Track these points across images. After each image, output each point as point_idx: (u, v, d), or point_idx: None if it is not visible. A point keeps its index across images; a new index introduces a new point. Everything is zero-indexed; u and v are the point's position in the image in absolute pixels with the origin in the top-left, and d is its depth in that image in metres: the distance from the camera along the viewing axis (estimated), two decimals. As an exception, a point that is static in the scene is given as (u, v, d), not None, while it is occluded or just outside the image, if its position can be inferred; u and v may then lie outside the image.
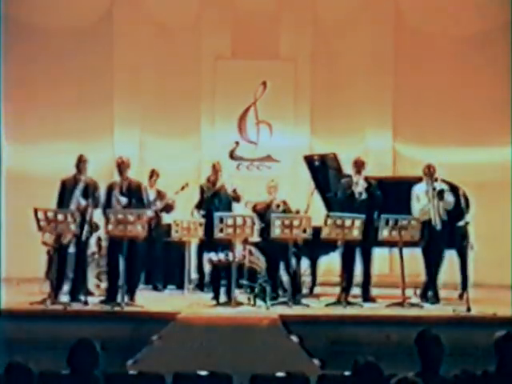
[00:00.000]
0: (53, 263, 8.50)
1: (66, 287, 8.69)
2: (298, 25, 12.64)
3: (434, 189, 8.87)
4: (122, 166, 8.75)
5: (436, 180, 8.92)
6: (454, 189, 9.21)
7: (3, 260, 10.44)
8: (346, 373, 4.79)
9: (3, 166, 11.75)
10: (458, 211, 9.00)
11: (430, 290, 8.96)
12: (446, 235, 8.97)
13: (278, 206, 9.42)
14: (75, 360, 4.39)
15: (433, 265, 8.93)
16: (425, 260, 8.97)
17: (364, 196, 9.00)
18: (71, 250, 8.51)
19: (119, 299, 8.17)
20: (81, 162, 8.64)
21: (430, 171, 8.96)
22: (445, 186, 8.95)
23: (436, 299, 8.90)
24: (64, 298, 8.45)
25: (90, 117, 12.25)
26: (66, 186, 8.59)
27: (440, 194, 8.81)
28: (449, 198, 8.91)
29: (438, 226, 8.88)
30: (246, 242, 9.08)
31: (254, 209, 9.52)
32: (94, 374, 4.40)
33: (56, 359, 5.26)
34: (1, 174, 11.74)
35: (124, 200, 8.60)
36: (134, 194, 8.71)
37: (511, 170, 11.56)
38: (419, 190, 9.01)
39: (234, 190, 9.50)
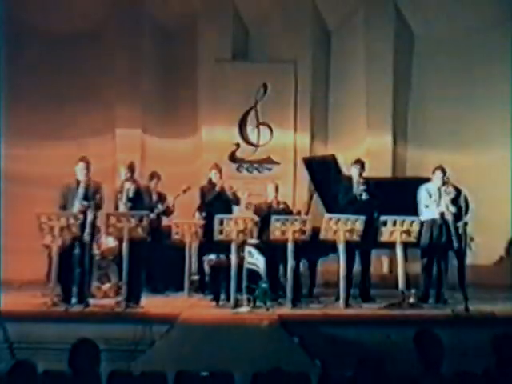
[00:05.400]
0: (56, 266, 8.44)
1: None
2: (299, 27, 12.67)
3: (445, 190, 8.93)
4: (130, 169, 8.79)
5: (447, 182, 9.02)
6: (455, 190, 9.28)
7: (2, 263, 10.43)
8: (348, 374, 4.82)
9: (2, 168, 11.73)
10: (457, 212, 9.05)
11: (431, 290, 9.01)
12: (449, 235, 9.04)
13: (278, 206, 9.44)
14: (76, 360, 4.39)
15: (441, 264, 9.02)
16: (428, 259, 9.03)
17: (364, 197, 9.02)
18: (74, 252, 8.50)
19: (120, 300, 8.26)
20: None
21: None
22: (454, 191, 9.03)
23: (442, 300, 8.96)
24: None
25: (90, 118, 12.29)
26: (69, 189, 8.55)
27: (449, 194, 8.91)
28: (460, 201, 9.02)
29: (445, 225, 8.95)
30: (245, 243, 9.10)
31: (255, 210, 9.55)
32: (96, 373, 4.42)
33: (58, 362, 5.28)
34: (0, 176, 11.74)
35: (128, 203, 8.61)
36: (142, 197, 8.74)
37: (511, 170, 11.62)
38: (430, 188, 9.07)
39: (234, 193, 9.52)
